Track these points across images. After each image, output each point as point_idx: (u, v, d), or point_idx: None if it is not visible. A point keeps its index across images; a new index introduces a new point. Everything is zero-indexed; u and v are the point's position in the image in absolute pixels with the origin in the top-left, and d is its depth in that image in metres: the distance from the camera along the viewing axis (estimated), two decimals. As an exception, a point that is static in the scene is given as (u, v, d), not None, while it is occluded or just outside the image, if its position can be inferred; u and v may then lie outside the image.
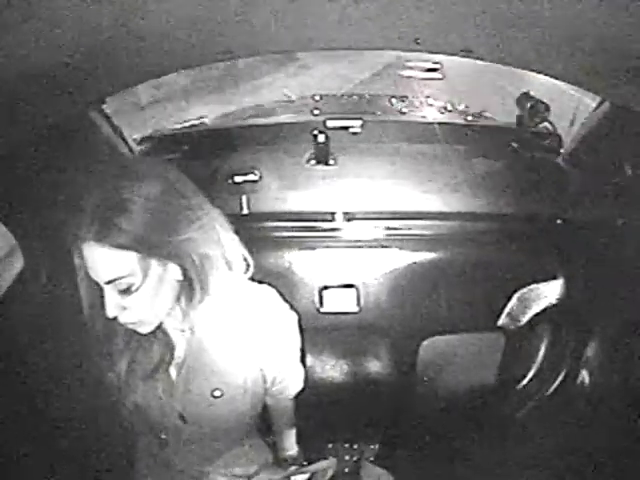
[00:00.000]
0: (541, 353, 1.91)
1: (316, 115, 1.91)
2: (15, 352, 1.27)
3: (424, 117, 2.03)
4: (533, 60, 1.17)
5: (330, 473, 1.31)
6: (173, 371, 1.13)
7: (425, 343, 1.85)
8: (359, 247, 1.87)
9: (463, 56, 1.21)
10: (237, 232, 1.09)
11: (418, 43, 1.14)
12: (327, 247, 1.87)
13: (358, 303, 1.85)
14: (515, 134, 1.86)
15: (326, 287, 1.85)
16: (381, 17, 1.00)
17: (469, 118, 2.00)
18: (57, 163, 1.34)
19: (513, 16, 0.90)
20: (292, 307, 1.17)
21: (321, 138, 1.79)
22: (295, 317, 1.17)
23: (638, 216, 1.50)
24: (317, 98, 2.09)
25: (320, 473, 1.29)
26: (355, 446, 1.98)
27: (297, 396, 1.31)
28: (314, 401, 1.42)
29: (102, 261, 0.92)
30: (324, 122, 1.83)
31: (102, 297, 0.97)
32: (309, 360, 1.89)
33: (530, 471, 1.63)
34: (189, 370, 1.12)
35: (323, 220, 1.89)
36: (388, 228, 1.88)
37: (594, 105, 1.66)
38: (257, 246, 1.15)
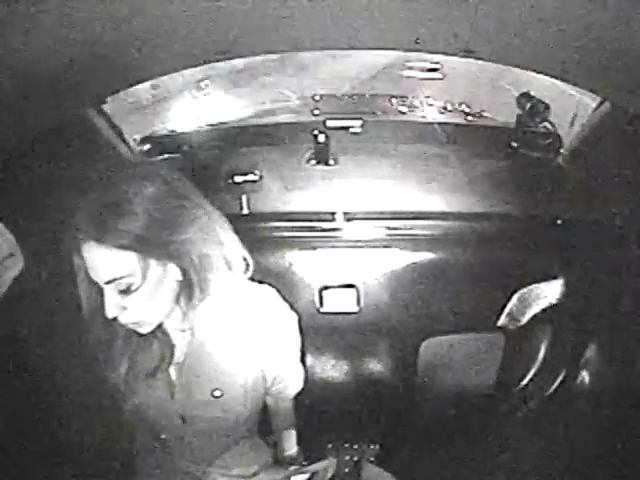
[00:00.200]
0: (541, 353, 1.91)
1: (316, 115, 1.91)
2: (15, 352, 1.27)
3: (424, 117, 2.03)
4: (533, 60, 1.17)
5: (330, 473, 1.30)
6: (173, 371, 1.13)
7: (425, 343, 1.85)
8: (359, 247, 1.87)
9: (463, 56, 1.21)
10: (237, 232, 1.09)
11: (418, 43, 1.14)
12: (327, 247, 1.86)
13: (358, 303, 1.85)
14: (515, 134, 1.85)
15: (326, 287, 1.85)
16: (381, 17, 1.00)
17: (469, 118, 2.00)
18: (57, 163, 1.34)
19: (513, 16, 0.90)
20: (292, 307, 1.17)
21: (321, 138, 1.79)
22: (295, 317, 1.17)
23: (638, 216, 1.50)
24: (317, 98, 2.09)
25: (320, 473, 1.28)
26: (355, 446, 1.96)
27: (297, 396, 1.31)
28: (314, 401, 1.42)
29: (102, 261, 0.93)
30: (324, 122, 1.83)
31: (102, 297, 0.97)
32: (309, 360, 1.88)
33: (530, 471, 1.63)
34: (189, 370, 1.12)
35: (323, 220, 1.88)
36: (388, 228, 1.88)
37: (594, 105, 1.66)
38: (257, 246, 1.15)
